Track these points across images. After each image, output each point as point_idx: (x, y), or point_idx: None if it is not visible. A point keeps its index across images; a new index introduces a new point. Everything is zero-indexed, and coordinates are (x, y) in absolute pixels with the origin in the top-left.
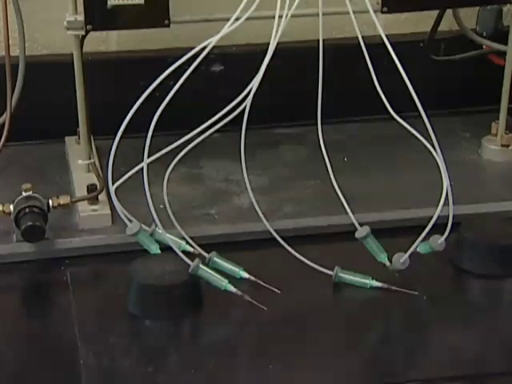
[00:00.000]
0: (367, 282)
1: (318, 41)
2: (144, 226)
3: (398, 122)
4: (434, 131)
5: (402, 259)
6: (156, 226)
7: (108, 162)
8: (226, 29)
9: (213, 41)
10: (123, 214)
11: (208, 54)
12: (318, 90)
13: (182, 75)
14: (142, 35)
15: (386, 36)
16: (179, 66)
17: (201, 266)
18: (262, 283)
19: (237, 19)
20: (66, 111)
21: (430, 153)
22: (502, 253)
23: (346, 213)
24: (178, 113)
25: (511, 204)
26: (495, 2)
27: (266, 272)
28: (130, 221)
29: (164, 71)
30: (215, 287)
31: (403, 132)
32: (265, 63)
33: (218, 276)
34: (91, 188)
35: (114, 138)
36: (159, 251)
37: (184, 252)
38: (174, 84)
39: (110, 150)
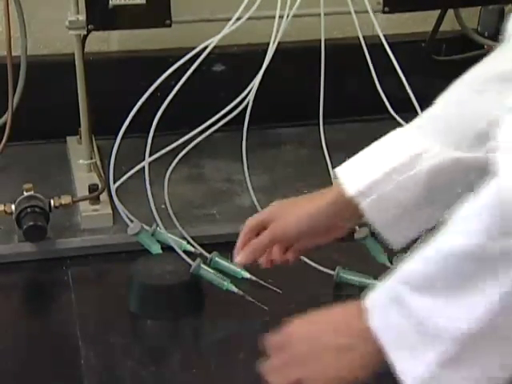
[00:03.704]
0: (368, 281)
1: (320, 41)
2: (145, 226)
3: (398, 122)
4: None
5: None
6: (157, 225)
7: (110, 162)
8: (227, 29)
9: (214, 41)
10: (124, 214)
11: (209, 53)
12: (320, 89)
13: (183, 75)
14: (143, 35)
15: (386, 36)
16: (181, 66)
17: (202, 265)
18: (263, 283)
19: (238, 19)
20: (67, 111)
21: None
22: None
23: None
24: (179, 112)
25: None
26: (497, 2)
27: (267, 272)
28: (131, 221)
29: (165, 71)
30: (216, 287)
31: None
32: (265, 63)
33: (220, 276)
34: (92, 188)
35: (115, 138)
36: (160, 251)
37: (185, 252)
38: (175, 84)
39: (112, 149)
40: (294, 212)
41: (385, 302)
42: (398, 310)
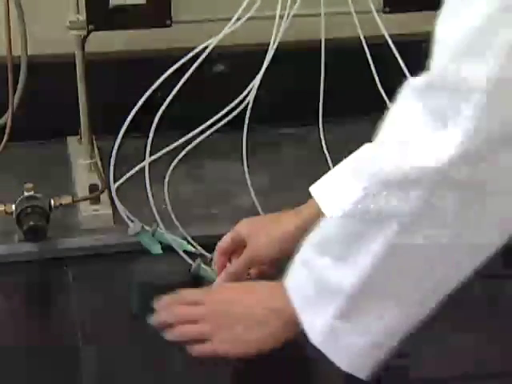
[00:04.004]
0: None
1: (320, 40)
2: (145, 226)
3: None
4: None
5: None
6: (157, 225)
7: (110, 162)
8: (227, 29)
9: (213, 41)
10: (125, 215)
11: (209, 53)
12: (320, 89)
13: (183, 75)
14: (143, 35)
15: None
16: (181, 66)
17: (202, 265)
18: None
19: (238, 19)
20: (67, 111)
21: None
22: (502, 252)
23: None
24: (179, 112)
25: None
26: None
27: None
28: (132, 221)
29: (165, 71)
30: None
31: None
32: (266, 63)
33: None
34: (93, 188)
35: (116, 138)
36: (161, 251)
37: (185, 252)
38: (176, 84)
39: (112, 149)
40: (266, 233)
41: (296, 266)
42: (303, 271)
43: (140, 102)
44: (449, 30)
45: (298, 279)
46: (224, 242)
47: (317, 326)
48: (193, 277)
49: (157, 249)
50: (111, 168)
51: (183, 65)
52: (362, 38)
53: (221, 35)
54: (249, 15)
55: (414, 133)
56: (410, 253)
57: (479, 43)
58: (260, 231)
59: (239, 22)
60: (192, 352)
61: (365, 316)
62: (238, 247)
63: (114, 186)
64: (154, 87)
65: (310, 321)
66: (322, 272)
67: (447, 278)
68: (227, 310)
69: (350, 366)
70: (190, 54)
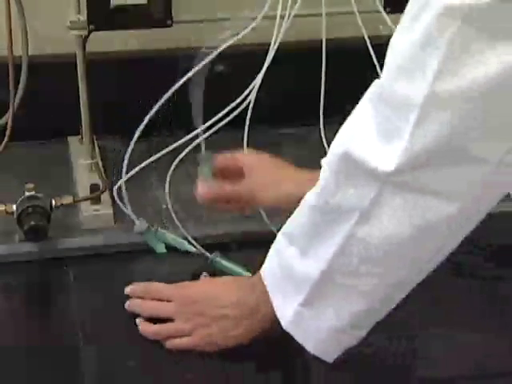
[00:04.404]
0: None
1: (321, 40)
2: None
3: None
4: None
5: None
6: (158, 226)
7: (123, 161)
8: (244, 30)
9: (226, 42)
10: (127, 215)
11: (209, 54)
12: (321, 89)
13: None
14: (143, 35)
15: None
16: (181, 66)
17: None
18: None
19: (242, 19)
20: (68, 111)
21: None
22: (501, 252)
23: None
24: (179, 113)
25: (511, 204)
26: None
27: None
28: (133, 221)
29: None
30: None
31: None
32: (266, 63)
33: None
34: (93, 188)
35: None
36: (165, 250)
37: (186, 252)
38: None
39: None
40: (272, 193)
41: (271, 253)
42: (275, 258)
43: (158, 104)
44: (398, 43)
45: (271, 267)
46: (224, 160)
47: (286, 312)
48: (193, 276)
49: (161, 248)
50: (124, 168)
51: (184, 65)
52: (366, 37)
53: (238, 36)
54: (261, 16)
55: (363, 136)
56: (369, 245)
57: (416, 61)
58: (266, 187)
59: (253, 23)
60: (167, 345)
61: (327, 303)
62: (233, 172)
63: (115, 187)
64: (174, 88)
65: (281, 310)
66: (290, 262)
67: (411, 272)
68: (202, 310)
69: (315, 348)
70: (202, 55)
